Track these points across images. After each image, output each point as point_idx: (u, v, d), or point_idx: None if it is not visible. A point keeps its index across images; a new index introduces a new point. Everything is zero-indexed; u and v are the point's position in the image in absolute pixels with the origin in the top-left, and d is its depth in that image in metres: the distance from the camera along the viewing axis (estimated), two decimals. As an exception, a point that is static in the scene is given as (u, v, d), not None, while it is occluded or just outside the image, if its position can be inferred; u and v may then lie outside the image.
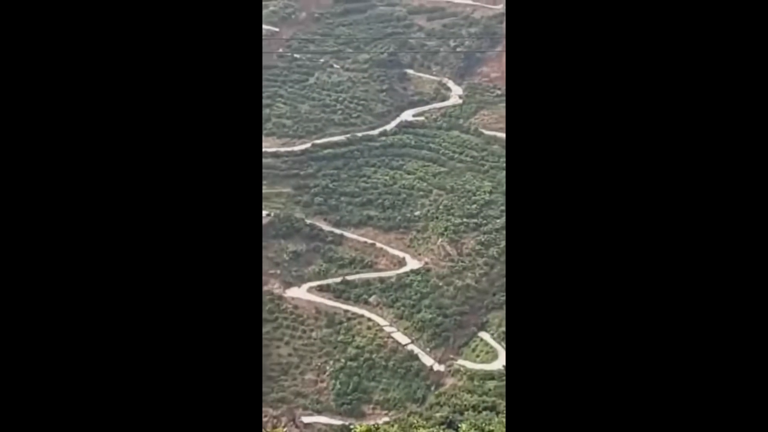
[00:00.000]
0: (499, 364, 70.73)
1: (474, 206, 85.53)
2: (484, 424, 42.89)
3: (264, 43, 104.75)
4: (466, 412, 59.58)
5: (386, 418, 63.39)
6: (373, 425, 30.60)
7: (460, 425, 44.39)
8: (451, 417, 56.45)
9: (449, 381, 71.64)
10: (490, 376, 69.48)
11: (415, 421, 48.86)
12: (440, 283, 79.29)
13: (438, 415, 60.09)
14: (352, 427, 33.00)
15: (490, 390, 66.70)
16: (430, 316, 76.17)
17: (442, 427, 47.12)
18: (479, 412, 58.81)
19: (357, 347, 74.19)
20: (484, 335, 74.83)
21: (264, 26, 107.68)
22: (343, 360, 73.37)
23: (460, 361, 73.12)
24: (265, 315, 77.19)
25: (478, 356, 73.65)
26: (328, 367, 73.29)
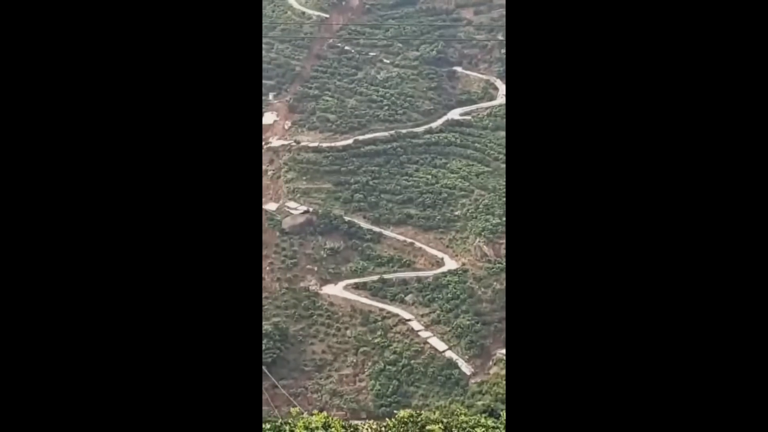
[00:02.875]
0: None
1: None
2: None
3: (314, 29, 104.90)
4: (507, 401, 58.98)
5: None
6: (415, 412, 30.28)
7: (501, 413, 44.32)
8: (492, 405, 55.94)
9: (492, 369, 71.00)
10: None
11: (456, 409, 48.76)
12: (476, 286, 78.47)
13: (480, 403, 59.63)
14: (394, 412, 33.00)
15: (532, 379, 65.72)
16: (467, 322, 75.24)
17: (484, 414, 46.89)
18: (520, 400, 58.07)
19: (395, 352, 73.70)
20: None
21: (314, 12, 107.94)
22: (382, 363, 72.96)
23: (504, 350, 72.44)
24: (300, 311, 77.60)
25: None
26: (366, 368, 73.01)
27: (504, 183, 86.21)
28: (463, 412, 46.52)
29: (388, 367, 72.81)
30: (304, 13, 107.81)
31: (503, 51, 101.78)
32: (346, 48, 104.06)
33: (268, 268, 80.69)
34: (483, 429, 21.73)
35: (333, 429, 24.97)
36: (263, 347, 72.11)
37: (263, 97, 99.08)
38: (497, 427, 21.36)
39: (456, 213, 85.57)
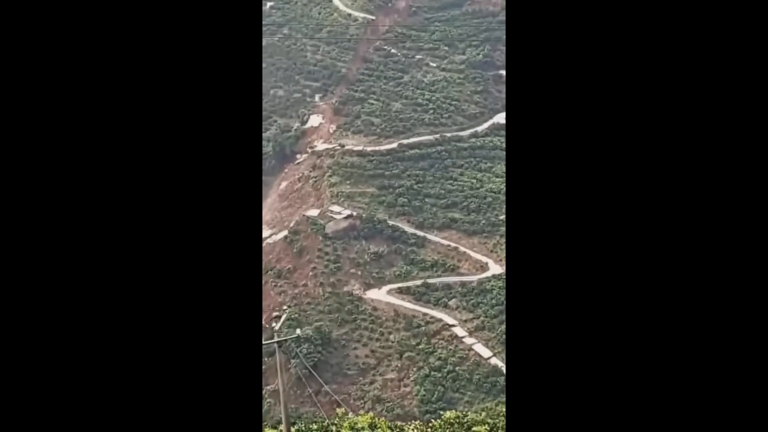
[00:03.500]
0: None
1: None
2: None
3: (360, 31, 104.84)
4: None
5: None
6: (461, 413, 29.90)
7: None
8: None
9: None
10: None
11: (503, 411, 48.22)
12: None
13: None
14: (441, 413, 32.76)
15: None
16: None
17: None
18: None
19: (439, 358, 73.27)
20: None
21: (360, 14, 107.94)
22: (427, 369, 72.52)
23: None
24: (343, 316, 77.48)
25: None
26: (411, 374, 72.61)
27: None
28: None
29: (433, 372, 72.29)
30: (350, 15, 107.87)
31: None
32: (392, 51, 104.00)
33: (311, 273, 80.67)
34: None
35: (379, 429, 24.48)
36: (305, 351, 71.97)
37: (309, 99, 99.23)
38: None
39: (501, 217, 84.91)
